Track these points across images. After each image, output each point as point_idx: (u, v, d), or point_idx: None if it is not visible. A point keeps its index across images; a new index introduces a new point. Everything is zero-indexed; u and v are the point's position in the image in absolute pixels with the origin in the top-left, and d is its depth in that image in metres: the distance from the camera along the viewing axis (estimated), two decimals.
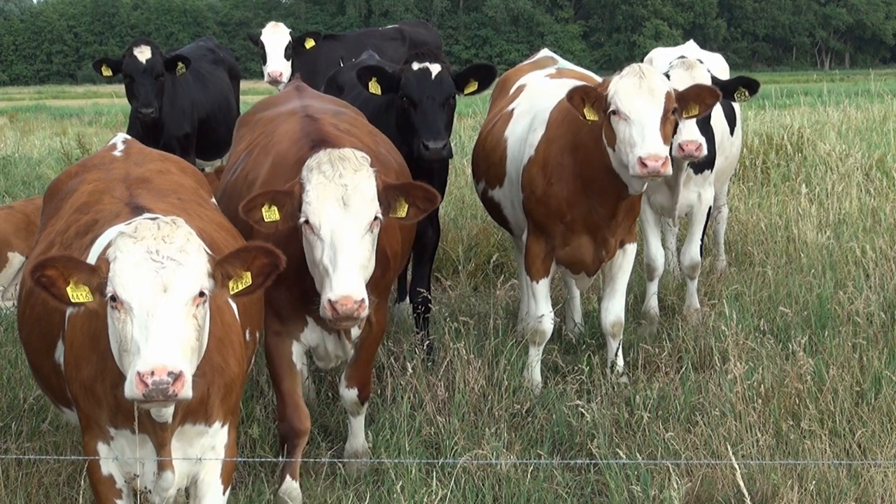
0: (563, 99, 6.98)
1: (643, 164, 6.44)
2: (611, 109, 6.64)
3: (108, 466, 4.55)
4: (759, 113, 18.45)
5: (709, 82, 7.77)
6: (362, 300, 5.14)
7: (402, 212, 5.50)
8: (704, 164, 8.41)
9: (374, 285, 5.56)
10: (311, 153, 5.50)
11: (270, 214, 5.36)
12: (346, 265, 5.17)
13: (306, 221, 5.30)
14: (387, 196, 5.42)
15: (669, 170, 6.53)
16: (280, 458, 6.20)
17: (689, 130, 7.63)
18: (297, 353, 6.01)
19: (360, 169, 5.33)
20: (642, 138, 6.51)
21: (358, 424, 6.40)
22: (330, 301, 5.15)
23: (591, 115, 6.73)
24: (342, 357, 6.11)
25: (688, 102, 6.81)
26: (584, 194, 7.01)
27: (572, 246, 7.21)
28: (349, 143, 5.81)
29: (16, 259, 9.39)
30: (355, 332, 5.94)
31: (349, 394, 6.25)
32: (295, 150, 5.90)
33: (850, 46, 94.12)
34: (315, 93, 7.48)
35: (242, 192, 5.97)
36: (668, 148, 6.59)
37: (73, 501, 5.65)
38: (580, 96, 6.73)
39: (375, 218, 5.31)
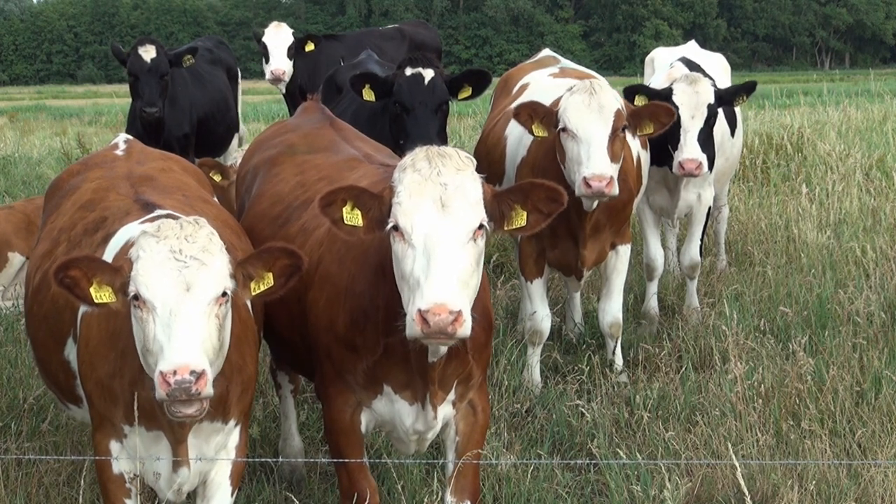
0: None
1: (587, 185, 6.43)
2: (560, 126, 6.61)
3: (119, 465, 4.56)
4: (759, 113, 18.46)
5: (712, 98, 7.84)
6: (459, 312, 4.10)
7: (521, 220, 4.48)
8: None
9: (475, 351, 4.74)
10: None
11: (353, 218, 4.46)
12: (442, 271, 4.15)
13: (395, 227, 4.31)
14: (498, 205, 4.45)
15: (615, 190, 6.48)
16: (279, 459, 6.19)
17: (690, 148, 7.66)
18: (366, 425, 4.98)
19: (464, 169, 4.38)
20: (588, 157, 6.48)
21: None
22: (420, 311, 4.10)
23: (539, 132, 6.72)
24: (423, 433, 4.92)
25: (641, 120, 6.78)
26: None
27: (560, 249, 7.20)
28: None
29: (16, 259, 9.39)
30: (446, 409, 4.87)
31: None
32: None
33: (850, 46, 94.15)
34: (355, 132, 6.41)
35: (299, 244, 5.08)
36: (616, 167, 6.57)
37: (73, 501, 5.64)
38: (528, 112, 6.69)
39: (481, 226, 4.32)
